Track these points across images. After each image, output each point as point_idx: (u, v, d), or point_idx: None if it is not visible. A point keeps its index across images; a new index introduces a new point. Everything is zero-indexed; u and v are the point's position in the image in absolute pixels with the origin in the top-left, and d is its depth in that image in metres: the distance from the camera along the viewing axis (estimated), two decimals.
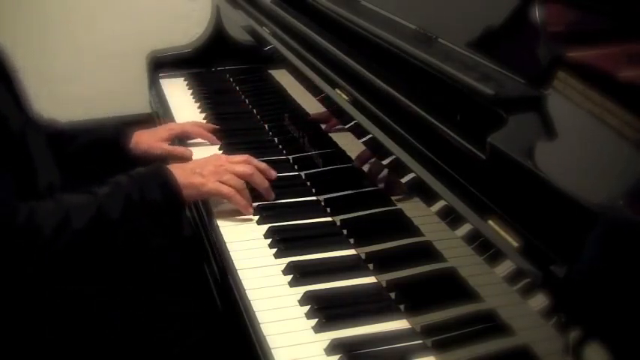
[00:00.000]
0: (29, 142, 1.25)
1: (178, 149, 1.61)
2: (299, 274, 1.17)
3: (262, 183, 1.38)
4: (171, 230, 1.31)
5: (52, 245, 1.13)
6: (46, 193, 1.24)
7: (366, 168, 1.22)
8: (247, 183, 1.36)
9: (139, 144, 1.59)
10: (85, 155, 1.56)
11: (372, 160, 1.18)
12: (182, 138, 1.66)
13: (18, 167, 1.20)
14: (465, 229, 0.89)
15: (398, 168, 1.07)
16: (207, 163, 1.34)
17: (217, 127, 1.72)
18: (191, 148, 1.63)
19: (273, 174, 1.41)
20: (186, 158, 1.57)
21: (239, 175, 1.34)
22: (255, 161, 1.40)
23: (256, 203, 1.37)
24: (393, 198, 1.12)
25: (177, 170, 1.28)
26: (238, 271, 1.19)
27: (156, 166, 1.30)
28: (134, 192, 1.21)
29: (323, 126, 1.41)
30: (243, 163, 1.38)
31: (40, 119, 1.50)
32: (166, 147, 1.60)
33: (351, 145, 1.27)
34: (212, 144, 1.66)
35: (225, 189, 1.31)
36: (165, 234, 1.29)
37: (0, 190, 1.13)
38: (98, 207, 1.18)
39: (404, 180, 1.05)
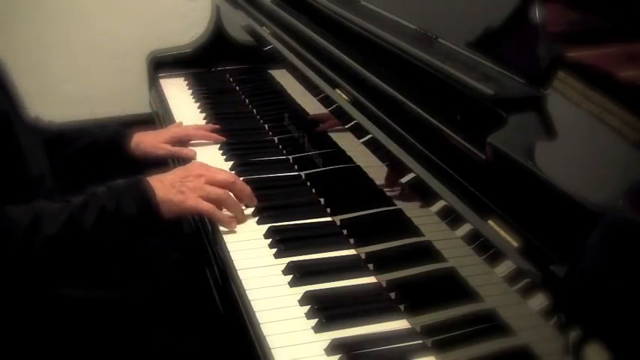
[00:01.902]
0: (16, 131, 1.25)
1: (183, 150, 1.61)
2: (299, 274, 1.17)
3: (244, 189, 1.35)
4: (166, 231, 1.30)
5: (23, 249, 1.14)
6: (38, 184, 1.25)
7: (371, 171, 1.22)
8: None
9: (140, 145, 1.59)
10: (86, 157, 1.56)
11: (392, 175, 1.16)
12: (184, 140, 1.67)
13: (6, 157, 1.20)
14: (465, 229, 0.89)
15: (398, 168, 1.07)
16: (187, 176, 1.29)
17: (218, 127, 1.72)
18: (192, 148, 1.63)
19: (254, 200, 1.36)
20: (190, 159, 1.57)
21: (220, 185, 1.31)
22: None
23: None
24: (391, 196, 1.12)
25: (157, 184, 1.25)
26: (238, 271, 1.19)
27: (136, 179, 1.27)
28: (109, 204, 1.20)
29: (323, 126, 1.41)
30: (224, 172, 1.36)
31: (39, 122, 1.50)
32: (170, 148, 1.61)
33: (351, 145, 1.27)
34: (212, 144, 1.66)
35: (205, 206, 1.27)
36: (161, 235, 1.29)
37: None
38: (70, 215, 1.17)
39: (404, 180, 1.05)
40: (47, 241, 1.14)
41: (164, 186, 1.26)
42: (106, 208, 1.19)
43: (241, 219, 1.33)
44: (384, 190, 1.15)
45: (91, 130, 1.62)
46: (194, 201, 1.27)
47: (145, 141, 1.60)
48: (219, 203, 1.29)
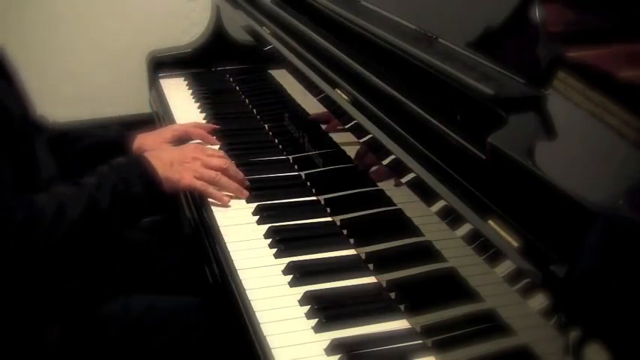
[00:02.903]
0: (31, 139, 1.26)
1: None
2: (299, 274, 1.17)
3: (237, 175, 1.42)
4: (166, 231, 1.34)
5: (51, 237, 1.16)
6: (46, 187, 1.25)
7: (364, 165, 1.22)
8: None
9: (143, 147, 1.59)
10: (88, 158, 1.56)
11: (369, 156, 1.18)
12: (184, 139, 1.66)
13: (23, 162, 1.21)
14: (464, 229, 0.89)
15: (398, 168, 1.07)
16: (184, 156, 1.39)
17: (218, 127, 1.72)
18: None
19: (244, 192, 1.43)
20: None
21: (214, 169, 1.39)
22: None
23: (256, 203, 1.38)
24: (391, 196, 1.12)
25: (157, 162, 1.33)
26: (238, 271, 1.19)
27: (135, 157, 1.36)
28: (119, 183, 1.26)
29: (323, 126, 1.41)
30: (219, 157, 1.43)
31: (43, 121, 1.50)
32: (171, 148, 1.60)
33: (351, 145, 1.27)
34: (212, 145, 1.66)
35: (199, 184, 1.37)
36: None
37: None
38: (89, 197, 1.21)
39: (404, 180, 1.05)
40: (71, 226, 1.17)
41: (163, 164, 1.33)
42: (117, 187, 1.25)
43: (236, 195, 1.40)
44: (364, 171, 1.16)
45: (93, 131, 1.62)
46: (189, 180, 1.36)
47: (147, 143, 1.60)
48: (212, 183, 1.39)
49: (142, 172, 1.30)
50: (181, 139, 1.66)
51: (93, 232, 1.22)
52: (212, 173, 1.38)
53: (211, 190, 1.38)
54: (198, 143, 1.67)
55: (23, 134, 1.23)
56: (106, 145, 1.58)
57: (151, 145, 1.60)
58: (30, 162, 1.24)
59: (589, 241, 0.71)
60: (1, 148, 1.16)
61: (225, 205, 1.38)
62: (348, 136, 1.25)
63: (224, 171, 1.40)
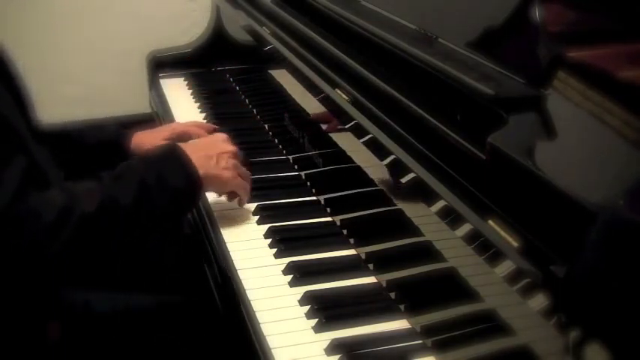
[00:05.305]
0: (35, 154, 1.24)
1: None
2: (299, 274, 1.17)
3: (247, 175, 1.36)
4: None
5: (55, 232, 1.04)
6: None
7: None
8: None
9: (141, 145, 1.59)
10: (88, 157, 1.56)
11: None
12: (183, 138, 1.66)
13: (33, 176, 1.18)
14: (464, 229, 0.89)
15: (398, 168, 1.07)
16: (221, 151, 1.28)
17: (218, 127, 1.72)
18: None
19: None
20: None
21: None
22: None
23: (256, 203, 1.38)
24: (391, 196, 1.12)
25: (193, 155, 1.20)
26: (238, 271, 1.19)
27: (169, 147, 1.23)
28: (149, 177, 1.14)
29: (323, 126, 1.41)
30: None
31: (42, 124, 1.49)
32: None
33: (351, 145, 1.27)
34: None
35: (243, 185, 1.31)
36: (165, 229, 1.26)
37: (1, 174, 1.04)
38: (107, 190, 1.11)
39: (404, 180, 1.05)
40: (83, 221, 1.05)
41: (199, 158, 1.21)
42: (145, 181, 1.13)
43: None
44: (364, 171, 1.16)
45: (93, 130, 1.62)
46: (238, 180, 1.29)
47: (145, 141, 1.60)
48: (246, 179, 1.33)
49: (181, 165, 1.18)
50: (180, 138, 1.66)
51: (113, 229, 1.09)
52: (244, 170, 1.32)
53: (249, 191, 1.33)
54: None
55: (22, 143, 1.22)
56: (105, 144, 1.58)
57: (148, 143, 1.60)
58: (37, 178, 1.23)
59: (589, 241, 0.71)
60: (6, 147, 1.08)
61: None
62: (348, 136, 1.25)
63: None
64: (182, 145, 1.24)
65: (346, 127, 1.26)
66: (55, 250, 1.04)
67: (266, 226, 1.31)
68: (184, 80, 2.12)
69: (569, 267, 0.72)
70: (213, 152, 1.27)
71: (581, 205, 0.73)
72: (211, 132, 1.68)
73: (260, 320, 1.07)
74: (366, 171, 1.21)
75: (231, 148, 1.31)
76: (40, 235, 1.03)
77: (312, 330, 1.06)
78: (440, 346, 0.99)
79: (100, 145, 1.57)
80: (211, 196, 1.39)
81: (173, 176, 1.16)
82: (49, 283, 1.10)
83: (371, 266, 1.19)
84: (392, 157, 1.08)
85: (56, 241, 1.04)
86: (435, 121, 1.01)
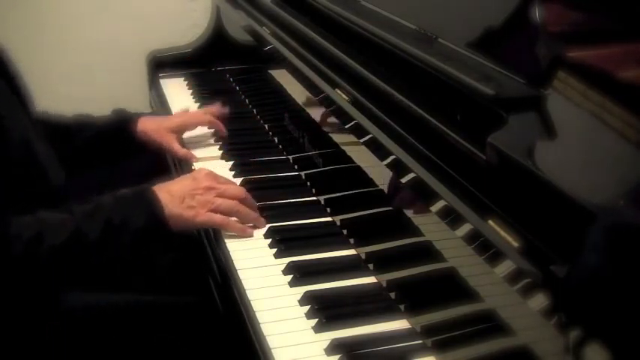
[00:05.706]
0: (35, 146, 1.25)
1: (182, 151, 1.60)
2: (299, 274, 1.17)
3: (253, 203, 1.32)
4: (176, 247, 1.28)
5: (24, 259, 1.12)
6: (58, 193, 1.25)
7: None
8: None
9: (146, 131, 1.60)
10: (92, 147, 1.57)
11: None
12: (188, 129, 1.66)
13: (27, 171, 1.20)
14: (464, 229, 0.89)
15: (398, 168, 1.07)
16: (195, 188, 1.25)
17: (225, 111, 1.71)
18: (192, 149, 1.63)
19: (261, 221, 1.31)
20: (189, 161, 1.58)
21: (231, 198, 1.28)
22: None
23: (256, 203, 1.37)
24: (391, 196, 1.12)
25: (165, 196, 1.21)
26: (238, 271, 1.19)
27: (142, 190, 1.23)
28: (115, 216, 1.17)
29: (323, 126, 1.41)
30: (235, 187, 1.33)
31: (44, 114, 1.50)
32: (174, 145, 1.60)
33: (351, 146, 1.27)
34: (212, 144, 1.66)
35: (218, 219, 1.25)
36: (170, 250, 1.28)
37: None
38: (76, 227, 1.15)
39: (404, 180, 1.05)
40: (52, 252, 1.12)
41: (173, 199, 1.22)
42: (112, 221, 1.16)
43: (258, 226, 1.30)
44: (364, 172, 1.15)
45: (96, 120, 1.63)
46: (205, 216, 1.24)
47: (150, 127, 1.61)
48: (230, 215, 1.27)
49: (145, 207, 1.19)
50: (185, 129, 1.66)
51: (79, 260, 1.15)
52: (231, 203, 1.26)
53: (233, 223, 1.26)
54: (199, 140, 1.68)
55: (26, 145, 1.22)
56: (109, 132, 1.59)
57: (153, 130, 1.60)
58: (36, 171, 1.23)
59: (589, 241, 0.71)
60: None
61: (249, 236, 1.27)
62: (348, 136, 1.25)
63: (242, 200, 1.29)
64: (157, 186, 1.24)
65: (346, 127, 1.26)
66: (27, 273, 1.13)
67: (266, 226, 1.31)
68: (184, 80, 2.12)
69: (570, 267, 0.72)
70: (185, 190, 1.24)
71: (581, 205, 0.73)
72: (222, 116, 1.69)
73: (260, 320, 1.07)
74: (366, 171, 1.21)
75: (205, 183, 1.26)
76: (11, 260, 1.11)
77: (312, 330, 1.06)
78: (440, 346, 0.99)
79: (105, 133, 1.58)
80: None
81: (137, 217, 1.18)
82: (31, 293, 1.17)
83: (371, 266, 1.19)
84: (392, 157, 1.09)
85: (26, 267, 1.13)
86: (435, 121, 1.01)
